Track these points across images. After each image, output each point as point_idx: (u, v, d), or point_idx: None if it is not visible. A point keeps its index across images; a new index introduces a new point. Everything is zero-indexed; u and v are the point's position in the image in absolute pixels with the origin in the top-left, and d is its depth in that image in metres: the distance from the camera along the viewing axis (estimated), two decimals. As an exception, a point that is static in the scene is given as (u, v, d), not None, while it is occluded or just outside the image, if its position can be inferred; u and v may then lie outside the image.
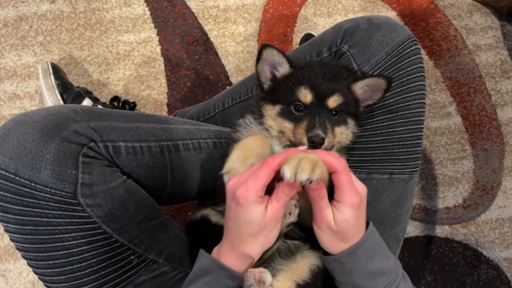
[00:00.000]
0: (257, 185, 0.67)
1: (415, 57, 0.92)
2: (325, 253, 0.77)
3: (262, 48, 0.82)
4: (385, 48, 0.91)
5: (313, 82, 0.80)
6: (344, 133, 0.83)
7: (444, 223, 1.51)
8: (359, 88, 0.84)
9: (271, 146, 0.82)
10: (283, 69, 0.84)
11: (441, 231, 1.51)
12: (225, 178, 0.76)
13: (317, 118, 0.77)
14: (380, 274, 0.75)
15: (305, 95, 0.79)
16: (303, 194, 0.74)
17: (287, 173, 0.63)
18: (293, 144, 0.80)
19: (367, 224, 0.76)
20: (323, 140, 0.75)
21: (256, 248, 0.72)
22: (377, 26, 0.93)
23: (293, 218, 0.77)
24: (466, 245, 1.51)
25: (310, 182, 0.64)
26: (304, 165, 0.63)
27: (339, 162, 0.70)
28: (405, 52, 0.91)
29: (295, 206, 0.77)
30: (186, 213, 1.47)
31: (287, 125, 0.81)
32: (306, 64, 0.84)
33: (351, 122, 0.84)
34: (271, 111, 0.83)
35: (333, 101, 0.80)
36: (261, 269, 0.71)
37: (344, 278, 0.76)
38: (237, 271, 0.72)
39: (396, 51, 0.91)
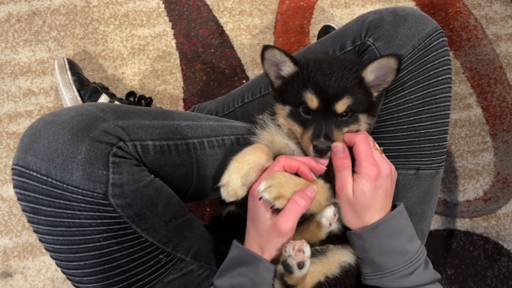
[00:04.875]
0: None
1: (442, 49, 0.90)
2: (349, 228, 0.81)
3: (263, 49, 0.81)
4: (411, 41, 0.88)
5: (319, 84, 0.75)
6: (355, 131, 0.81)
7: (465, 216, 1.50)
8: (370, 73, 0.79)
9: (270, 154, 0.81)
10: (288, 68, 0.81)
11: (462, 224, 1.50)
12: (222, 191, 0.75)
13: (323, 125, 0.75)
14: (399, 254, 0.77)
15: (311, 100, 0.76)
16: None
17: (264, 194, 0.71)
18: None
19: (395, 207, 0.79)
20: (328, 148, 0.75)
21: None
22: (403, 18, 0.90)
23: (333, 227, 0.78)
24: (487, 238, 1.50)
25: (272, 207, 0.72)
26: (272, 189, 0.71)
27: (357, 135, 0.76)
28: (432, 45, 0.89)
29: (334, 215, 0.77)
30: (204, 208, 1.46)
31: (297, 129, 0.79)
32: (312, 62, 0.79)
33: (363, 117, 0.80)
34: (282, 111, 0.82)
35: (341, 105, 0.75)
36: (302, 240, 0.71)
37: (364, 255, 0.79)
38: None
39: (423, 44, 0.88)
